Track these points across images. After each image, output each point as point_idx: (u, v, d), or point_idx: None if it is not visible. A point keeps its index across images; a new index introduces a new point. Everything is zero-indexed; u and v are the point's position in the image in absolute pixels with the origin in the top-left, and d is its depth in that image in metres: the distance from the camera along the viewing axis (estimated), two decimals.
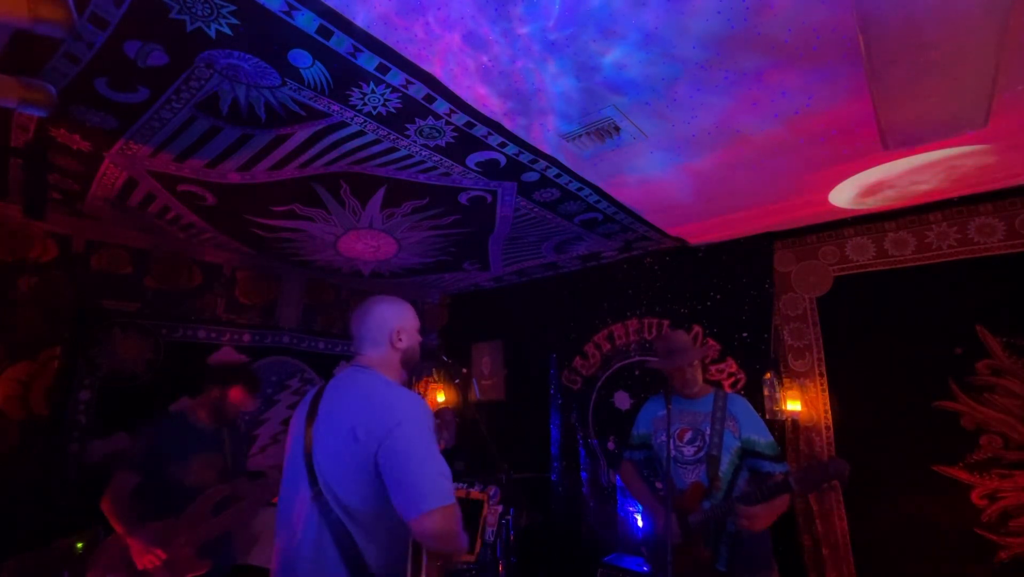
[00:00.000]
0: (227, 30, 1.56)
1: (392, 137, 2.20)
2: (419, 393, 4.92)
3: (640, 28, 1.58)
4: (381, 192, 2.77)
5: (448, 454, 1.52)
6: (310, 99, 1.91)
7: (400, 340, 1.65)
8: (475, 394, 4.82)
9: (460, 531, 1.40)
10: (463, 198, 2.85)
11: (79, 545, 2.46)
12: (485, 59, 1.73)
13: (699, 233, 3.51)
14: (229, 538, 2.50)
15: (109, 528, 2.21)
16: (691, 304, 3.66)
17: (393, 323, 1.66)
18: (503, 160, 2.41)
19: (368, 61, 1.70)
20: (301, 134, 2.17)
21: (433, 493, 1.34)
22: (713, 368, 3.43)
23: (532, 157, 2.39)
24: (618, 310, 4.07)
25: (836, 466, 2.00)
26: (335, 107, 1.97)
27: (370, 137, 2.20)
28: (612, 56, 1.70)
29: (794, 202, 2.92)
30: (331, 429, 1.47)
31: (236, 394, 2.54)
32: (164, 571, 2.15)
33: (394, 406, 1.45)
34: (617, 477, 3.80)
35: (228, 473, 2.51)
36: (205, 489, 2.37)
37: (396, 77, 1.79)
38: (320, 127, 2.11)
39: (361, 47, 1.64)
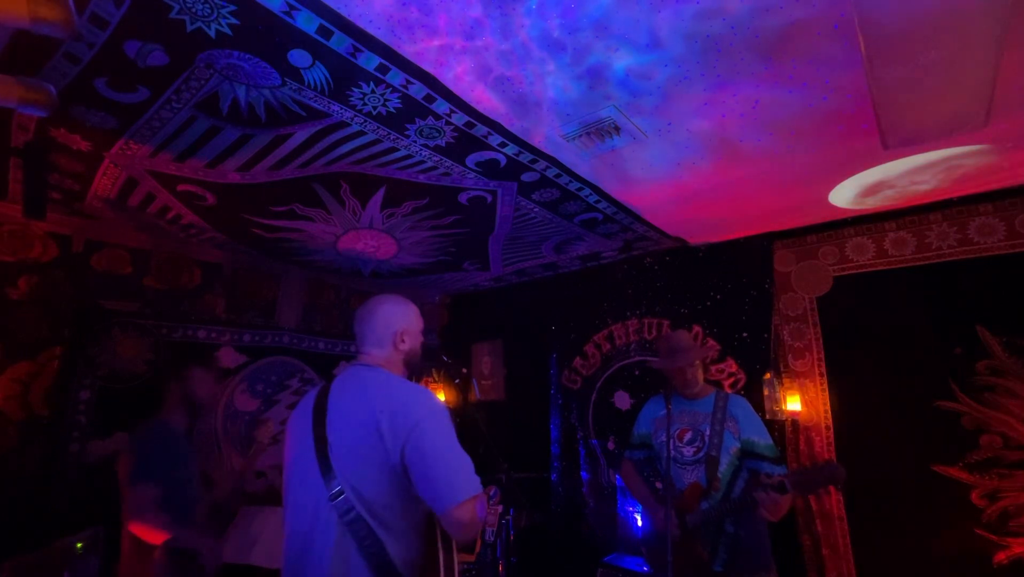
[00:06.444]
0: (227, 30, 1.56)
1: (392, 137, 2.20)
2: None
3: (640, 29, 1.58)
4: (381, 192, 2.77)
5: None
6: (310, 99, 1.91)
7: (403, 342, 1.65)
8: (475, 394, 4.83)
9: (483, 520, 1.43)
10: (463, 198, 2.85)
11: (79, 545, 2.45)
12: (485, 59, 1.73)
13: (699, 233, 3.51)
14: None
15: (109, 528, 2.19)
16: (691, 304, 3.66)
17: (397, 325, 1.65)
18: (503, 160, 2.41)
19: (368, 61, 1.70)
20: (301, 134, 2.17)
21: (464, 484, 1.37)
22: (713, 368, 3.43)
23: (532, 157, 2.39)
24: (618, 310, 4.07)
25: (833, 471, 1.98)
26: (335, 107, 1.97)
27: (370, 137, 2.20)
28: (612, 56, 1.70)
29: (794, 202, 2.92)
30: (350, 427, 1.45)
31: (196, 374, 2.50)
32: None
33: (416, 400, 1.45)
34: (617, 477, 3.80)
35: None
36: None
37: (396, 77, 1.79)
38: (320, 127, 2.11)
39: (361, 47, 1.64)
